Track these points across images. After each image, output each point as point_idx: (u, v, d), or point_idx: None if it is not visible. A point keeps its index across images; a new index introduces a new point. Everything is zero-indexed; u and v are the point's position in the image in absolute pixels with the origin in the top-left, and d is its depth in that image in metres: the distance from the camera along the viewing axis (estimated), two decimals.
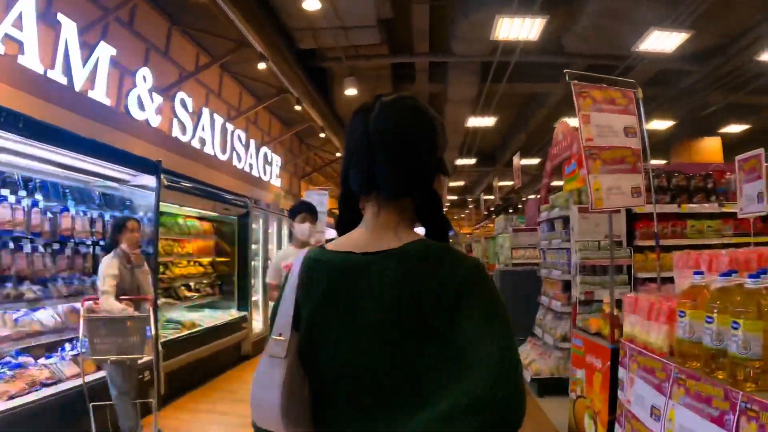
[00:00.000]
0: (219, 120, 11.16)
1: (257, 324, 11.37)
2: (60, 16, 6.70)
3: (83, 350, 5.25)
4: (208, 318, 9.54)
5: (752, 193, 4.60)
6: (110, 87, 7.73)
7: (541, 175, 12.00)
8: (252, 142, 13.08)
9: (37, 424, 5.04)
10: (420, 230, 1.46)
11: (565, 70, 4.97)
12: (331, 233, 1.65)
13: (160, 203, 7.39)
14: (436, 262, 1.32)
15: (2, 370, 5.27)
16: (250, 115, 14.25)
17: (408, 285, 1.30)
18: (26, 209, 5.76)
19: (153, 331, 5.76)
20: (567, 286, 7.23)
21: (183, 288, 9.42)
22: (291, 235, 6.07)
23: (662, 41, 9.95)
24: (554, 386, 7.13)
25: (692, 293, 2.81)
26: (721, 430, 2.40)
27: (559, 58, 11.95)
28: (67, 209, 6.38)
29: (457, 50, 12.34)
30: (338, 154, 18.97)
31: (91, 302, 5.44)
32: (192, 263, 9.96)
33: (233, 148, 11.92)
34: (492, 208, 33.90)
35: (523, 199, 28.52)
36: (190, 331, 8.47)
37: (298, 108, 13.03)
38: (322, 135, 16.06)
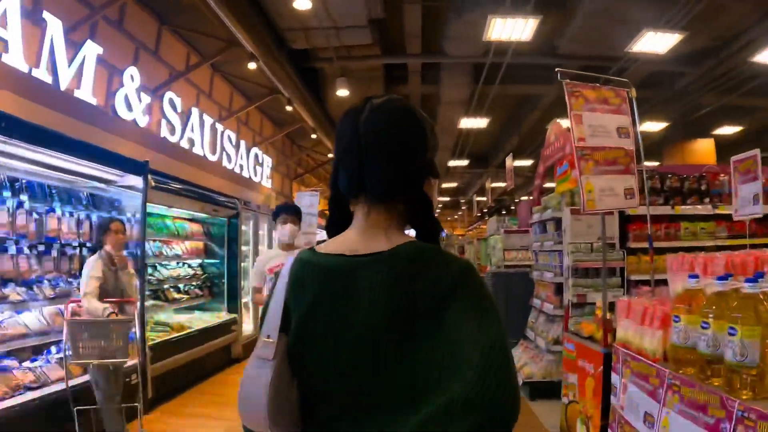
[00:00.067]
0: (208, 120, 11.08)
1: (247, 326, 11.27)
2: (46, 14, 6.61)
3: (69, 353, 5.15)
4: (197, 320, 9.46)
5: (748, 195, 4.53)
6: (98, 87, 7.66)
7: (534, 177, 11.97)
8: (242, 142, 13.01)
9: (21, 429, 4.98)
10: (411, 232, 1.46)
11: (556, 69, 4.90)
12: (324, 235, 1.63)
13: (148, 204, 7.32)
14: (426, 264, 1.31)
15: None
16: (241, 115, 14.21)
17: (399, 287, 1.29)
18: (11, 210, 5.68)
19: (138, 334, 5.69)
20: (559, 288, 7.18)
21: (172, 290, 9.33)
22: None
23: (655, 42, 9.94)
24: (546, 390, 7.08)
25: (687, 297, 2.75)
26: None
27: (551, 60, 11.88)
28: (53, 210, 6.31)
29: (450, 51, 12.33)
30: (330, 155, 18.93)
31: (74, 305, 5.35)
32: (181, 265, 9.89)
33: (223, 149, 11.85)
34: (485, 210, 33.90)
35: (516, 200, 28.54)
36: (178, 334, 8.38)
37: (289, 108, 13.00)
38: (314, 136, 16.05)
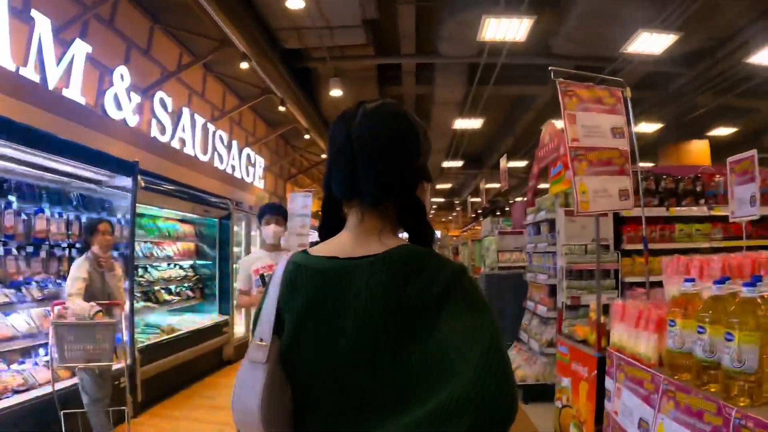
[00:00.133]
0: (200, 120, 11.02)
1: (239, 328, 11.21)
2: (34, 12, 6.54)
3: (55, 356, 5.08)
4: (189, 322, 9.38)
5: (744, 196, 4.48)
6: (88, 86, 7.61)
7: (528, 178, 11.94)
8: (234, 143, 12.97)
9: None
10: (404, 236, 1.49)
11: (550, 68, 4.84)
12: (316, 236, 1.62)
13: (139, 205, 7.29)
14: (419, 267, 1.32)
15: None
16: (234, 115, 14.15)
17: (394, 288, 1.29)
18: None
19: (124, 337, 5.63)
20: (553, 290, 7.13)
21: (163, 291, 9.25)
22: None
23: (651, 43, 9.92)
24: (540, 392, 7.04)
25: (683, 301, 2.70)
26: None
27: (546, 60, 11.82)
28: (42, 211, 6.26)
29: (444, 51, 12.32)
30: (324, 156, 18.86)
31: (60, 307, 5.28)
32: (172, 266, 9.82)
33: (215, 149, 11.79)
34: (479, 211, 33.93)
35: (511, 201, 28.54)
36: (169, 336, 8.31)
37: (282, 109, 12.94)
38: (308, 136, 16.00)
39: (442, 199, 38.36)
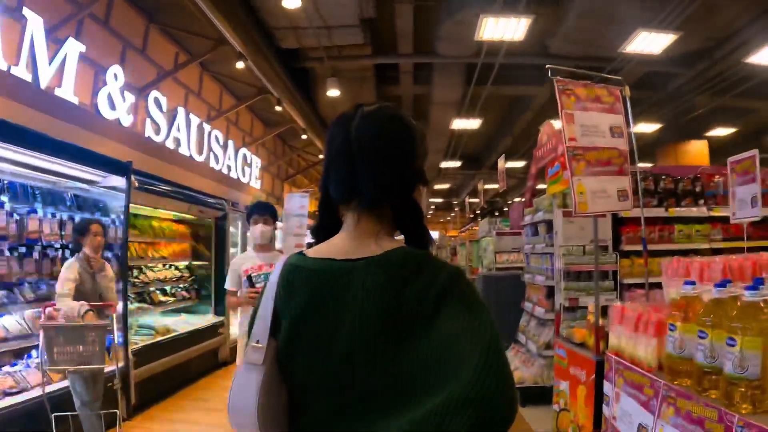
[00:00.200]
0: (195, 120, 10.93)
1: (235, 329, 11.09)
2: (26, 11, 6.47)
3: (44, 359, 5.02)
4: (184, 323, 9.32)
5: (745, 197, 4.41)
6: (83, 85, 7.56)
7: (526, 178, 11.90)
8: (230, 143, 12.91)
9: None
10: (401, 237, 1.49)
11: (547, 66, 4.78)
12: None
13: (133, 205, 7.24)
14: (417, 269, 1.32)
15: None
16: (231, 115, 14.10)
17: (389, 291, 1.30)
18: None
19: (115, 339, 5.58)
20: (551, 292, 7.06)
21: (157, 292, 9.20)
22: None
23: (649, 42, 9.90)
24: (538, 395, 6.96)
25: (683, 304, 2.64)
26: None
27: (544, 60, 11.74)
28: (34, 211, 6.21)
29: (442, 51, 12.29)
30: (321, 156, 18.83)
31: (51, 309, 5.22)
32: (167, 267, 9.74)
33: (210, 149, 11.71)
34: (477, 211, 33.92)
35: (509, 202, 28.52)
36: (164, 337, 8.25)
37: (278, 108, 12.89)
38: (305, 136, 15.95)
39: (440, 200, 38.38)
